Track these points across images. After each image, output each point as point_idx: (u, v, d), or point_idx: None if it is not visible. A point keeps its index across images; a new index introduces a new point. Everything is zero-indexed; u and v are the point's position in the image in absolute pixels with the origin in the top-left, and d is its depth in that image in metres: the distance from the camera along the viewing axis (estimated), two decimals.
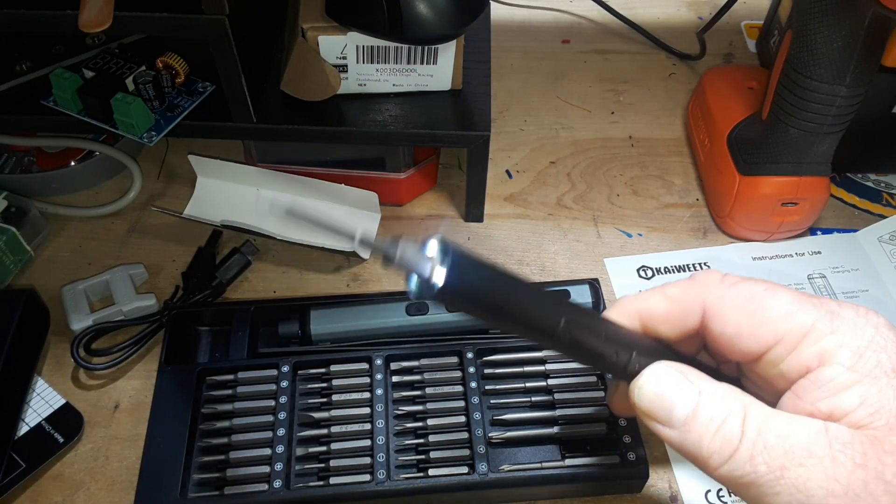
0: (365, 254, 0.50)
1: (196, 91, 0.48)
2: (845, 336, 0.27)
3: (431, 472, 0.39)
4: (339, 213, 0.52)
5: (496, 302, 0.27)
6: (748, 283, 0.29)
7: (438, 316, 0.44)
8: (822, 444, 0.25)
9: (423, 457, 0.40)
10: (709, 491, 0.42)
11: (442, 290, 0.25)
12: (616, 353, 0.29)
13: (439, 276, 0.24)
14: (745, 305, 0.29)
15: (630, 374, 0.29)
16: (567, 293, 0.46)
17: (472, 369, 0.42)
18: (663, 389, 0.28)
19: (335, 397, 0.42)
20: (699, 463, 0.27)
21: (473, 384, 0.42)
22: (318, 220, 0.22)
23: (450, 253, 0.25)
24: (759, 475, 0.25)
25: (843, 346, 0.26)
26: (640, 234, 0.54)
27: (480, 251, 0.53)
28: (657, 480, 0.42)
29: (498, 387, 0.42)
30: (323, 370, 0.43)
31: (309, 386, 0.43)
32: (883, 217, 0.54)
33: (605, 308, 0.46)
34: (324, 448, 0.40)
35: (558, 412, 0.41)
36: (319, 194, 0.52)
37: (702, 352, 0.33)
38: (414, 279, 0.25)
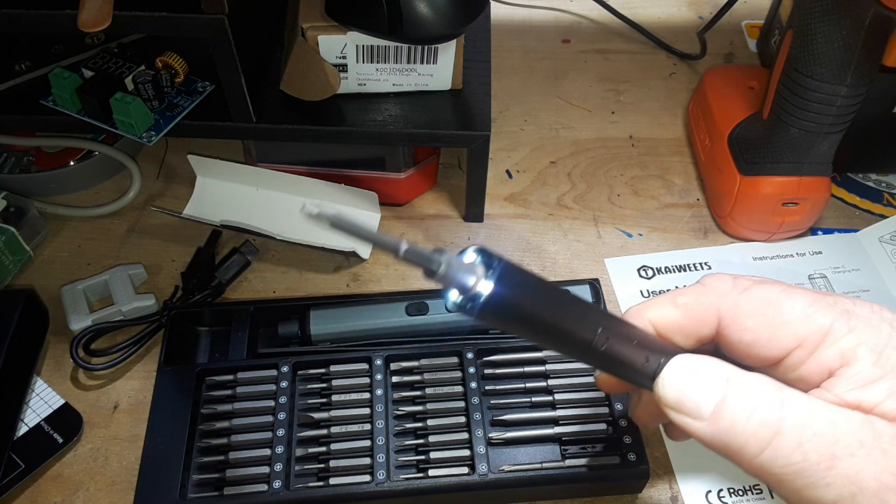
0: (366, 251, 0.50)
1: (195, 91, 0.48)
2: (863, 334, 0.26)
3: (431, 472, 0.39)
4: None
5: (541, 317, 0.25)
6: (762, 287, 0.29)
7: (438, 316, 0.44)
8: (870, 435, 0.24)
9: (422, 457, 0.40)
10: (709, 491, 0.41)
11: (484, 307, 0.23)
12: (647, 359, 0.28)
13: (485, 291, 0.23)
14: (762, 310, 0.28)
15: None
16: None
17: (472, 369, 0.42)
18: (690, 380, 0.27)
19: (335, 398, 0.42)
20: (733, 454, 0.26)
21: (473, 384, 0.42)
22: (363, 231, 0.21)
23: (494, 265, 0.23)
24: (809, 464, 0.24)
25: (863, 345, 0.26)
26: (641, 234, 0.54)
27: None
28: (658, 481, 0.42)
29: (498, 387, 0.42)
30: (323, 370, 0.43)
31: (309, 386, 0.43)
32: (884, 217, 0.54)
33: (605, 308, 0.45)
34: (323, 448, 0.40)
35: (558, 412, 0.41)
36: (319, 194, 0.52)
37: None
38: (452, 293, 0.23)
